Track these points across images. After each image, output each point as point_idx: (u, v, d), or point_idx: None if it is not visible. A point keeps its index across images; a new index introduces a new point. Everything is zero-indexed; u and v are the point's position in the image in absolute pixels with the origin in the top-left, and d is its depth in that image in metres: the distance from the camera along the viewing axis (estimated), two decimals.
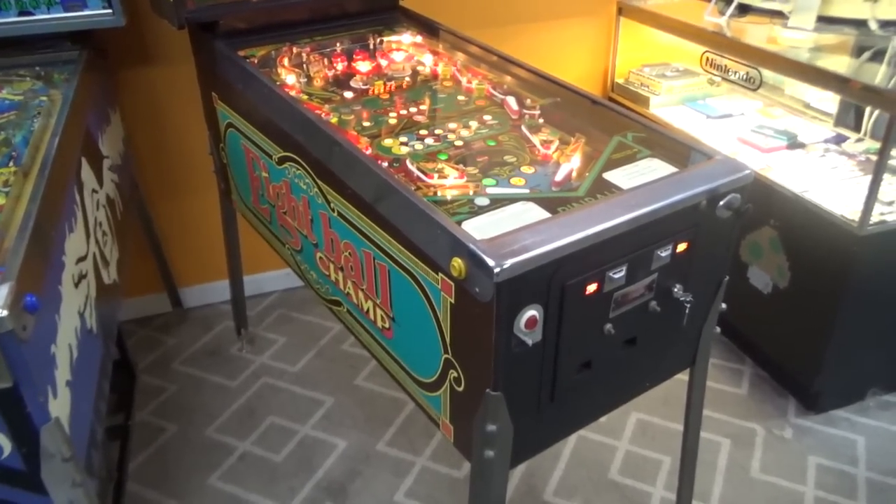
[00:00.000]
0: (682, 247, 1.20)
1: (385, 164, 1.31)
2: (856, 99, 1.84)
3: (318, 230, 1.46)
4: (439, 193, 1.21)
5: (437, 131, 1.45)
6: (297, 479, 1.87)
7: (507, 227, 1.06)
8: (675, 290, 1.23)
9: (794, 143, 2.18)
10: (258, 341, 2.37)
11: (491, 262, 0.96)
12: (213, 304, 2.52)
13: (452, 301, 1.08)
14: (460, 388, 1.15)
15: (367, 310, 1.37)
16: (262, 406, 2.11)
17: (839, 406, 2.07)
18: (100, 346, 1.39)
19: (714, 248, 1.27)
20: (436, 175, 1.26)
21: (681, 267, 1.22)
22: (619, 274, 1.12)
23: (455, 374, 1.15)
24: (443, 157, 1.34)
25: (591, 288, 1.10)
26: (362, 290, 1.36)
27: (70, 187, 1.37)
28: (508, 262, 0.97)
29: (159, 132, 2.21)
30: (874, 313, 1.91)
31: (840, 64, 1.95)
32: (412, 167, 1.28)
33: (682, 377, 2.10)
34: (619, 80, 2.63)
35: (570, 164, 1.30)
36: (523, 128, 1.45)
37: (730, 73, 2.18)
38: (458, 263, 1.01)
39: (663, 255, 1.17)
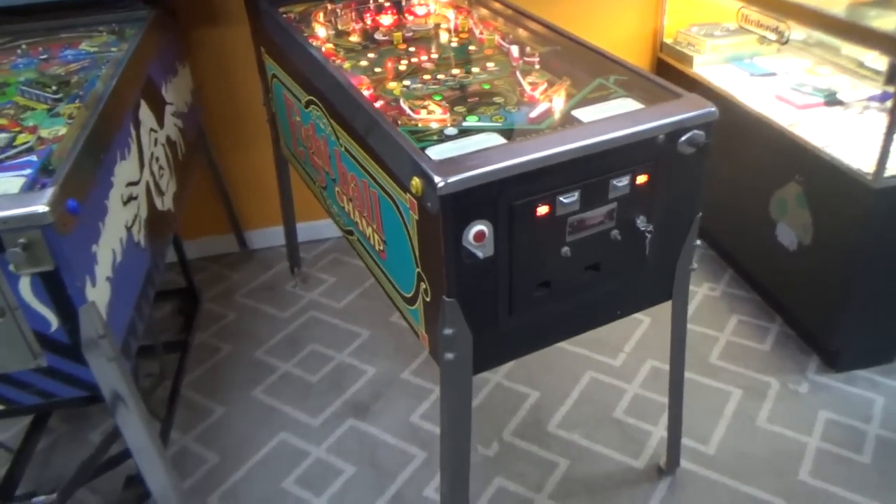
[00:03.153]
0: (641, 179, 1.28)
1: (381, 103, 1.46)
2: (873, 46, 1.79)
3: (334, 165, 1.64)
4: (420, 126, 1.35)
5: (440, 76, 1.58)
6: (328, 398, 2.08)
7: (462, 152, 1.19)
8: (639, 221, 1.32)
9: (833, 101, 2.14)
10: (310, 280, 2.60)
11: (436, 179, 1.10)
12: (274, 247, 2.77)
13: (417, 217, 1.23)
14: (428, 299, 1.30)
15: (369, 235, 1.54)
16: (306, 335, 2.33)
17: (863, 366, 2.05)
18: (147, 259, 1.63)
19: (681, 184, 1.35)
20: (423, 111, 1.40)
21: (642, 199, 1.31)
22: (570, 199, 1.22)
23: (424, 286, 1.30)
24: (437, 98, 1.48)
25: (543, 210, 1.21)
26: (364, 217, 1.53)
27: (125, 122, 1.61)
28: (451, 178, 1.10)
29: (226, 86, 2.46)
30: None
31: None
32: (403, 105, 1.43)
33: (705, 332, 2.15)
34: (668, 41, 2.64)
35: (550, 103, 1.40)
36: (517, 73, 1.56)
37: (762, 28, 2.17)
38: (415, 182, 1.16)
39: (619, 185, 1.26)
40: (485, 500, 1.75)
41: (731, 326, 2.25)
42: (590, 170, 1.22)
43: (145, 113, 1.77)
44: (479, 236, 1.17)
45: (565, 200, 1.22)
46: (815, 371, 2.06)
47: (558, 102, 1.42)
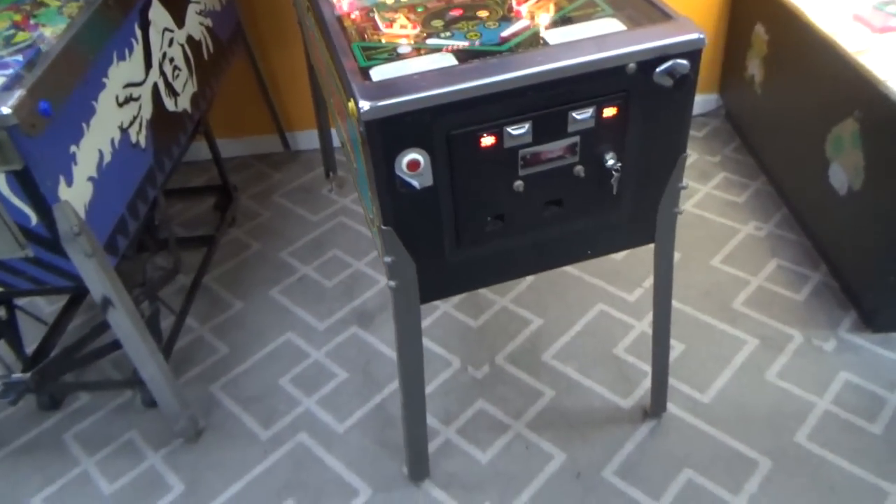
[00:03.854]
0: (609, 112, 1.17)
1: (357, 14, 1.39)
2: None
3: (326, 78, 1.60)
4: (383, 41, 1.28)
5: None
6: (338, 303, 2.14)
7: (402, 74, 1.12)
8: (607, 157, 1.21)
9: None
10: (346, 186, 2.62)
11: (360, 102, 1.05)
12: (318, 150, 2.80)
13: (360, 141, 1.18)
14: (377, 226, 1.27)
15: (347, 153, 1.51)
16: (331, 239, 2.38)
17: None
18: (148, 160, 1.69)
19: (661, 120, 1.22)
20: (396, 25, 1.32)
21: (611, 134, 1.20)
22: (519, 131, 1.14)
23: (375, 212, 1.27)
24: (419, 10, 1.39)
25: (487, 141, 1.13)
26: (343, 133, 1.50)
27: (128, 22, 1.63)
28: (376, 103, 1.04)
29: None
30: None
31: None
32: (375, 16, 1.35)
33: (737, 274, 2.01)
34: None
35: (531, 20, 1.28)
36: None
37: None
38: (351, 104, 1.11)
39: (580, 117, 1.16)
40: (463, 420, 1.77)
41: (769, 271, 2.08)
42: (542, 100, 1.12)
43: (157, 12, 1.78)
44: (413, 165, 1.12)
45: (514, 132, 1.13)
46: (849, 329, 1.88)
47: (544, 19, 1.30)
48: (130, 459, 1.76)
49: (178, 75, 1.88)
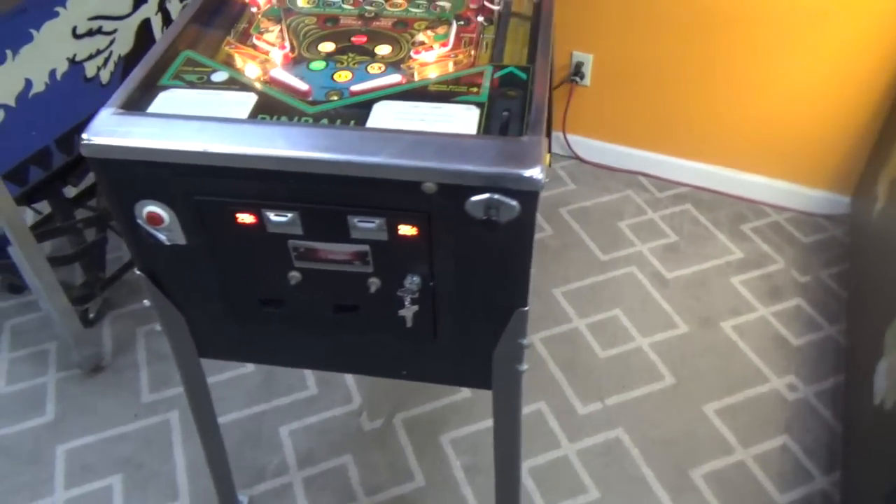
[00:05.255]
0: (406, 230, 0.89)
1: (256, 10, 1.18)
2: None
3: None
4: (237, 57, 1.08)
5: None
6: None
7: (175, 109, 0.93)
8: (409, 280, 0.94)
9: None
10: None
11: (84, 134, 0.88)
12: None
13: None
14: None
15: None
16: None
17: None
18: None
19: (484, 261, 0.91)
20: (264, 42, 1.10)
21: (412, 257, 0.92)
22: (282, 218, 0.90)
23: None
24: (329, 24, 1.16)
25: (246, 219, 0.92)
26: None
27: None
28: (93, 139, 0.87)
29: None
30: None
31: None
32: (258, 20, 1.14)
33: (733, 444, 1.60)
34: None
35: (399, 77, 1.01)
36: (453, 20, 1.13)
37: None
38: None
39: (363, 226, 0.90)
40: (318, 469, 1.60)
41: (767, 448, 1.61)
42: (310, 193, 0.88)
43: None
44: (154, 219, 0.94)
45: (275, 218, 0.91)
46: None
47: (414, 81, 1.01)
48: (34, 370, 1.82)
49: None
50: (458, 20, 1.14)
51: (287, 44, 1.09)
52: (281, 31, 1.11)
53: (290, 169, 0.85)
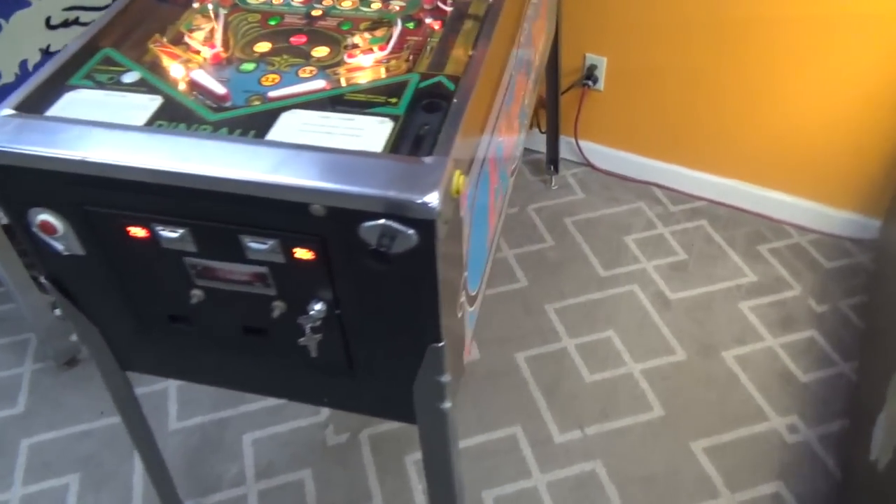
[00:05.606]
0: (302, 254, 0.81)
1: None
2: None
3: None
4: (163, 58, 1.01)
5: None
6: None
7: (74, 112, 0.87)
8: (313, 307, 0.86)
9: None
10: None
11: None
12: None
13: None
14: None
15: None
16: None
17: None
18: None
19: (389, 292, 0.82)
20: (193, 40, 1.03)
21: (312, 280, 0.84)
22: (172, 234, 0.84)
23: None
24: (272, 23, 1.08)
25: (138, 232, 0.85)
26: None
27: None
28: None
29: None
30: None
31: None
32: (194, 15, 1.07)
33: (719, 487, 1.49)
34: None
35: (322, 83, 0.92)
36: (398, 21, 1.04)
37: None
38: None
39: (256, 247, 0.82)
40: (275, 482, 1.54)
41: (753, 497, 1.48)
42: (200, 209, 0.80)
43: None
44: (47, 228, 0.88)
45: (165, 234, 0.84)
46: None
47: (338, 88, 0.93)
48: (12, 359, 1.82)
49: None
50: (406, 21, 1.05)
51: (218, 43, 1.02)
52: (212, 29, 1.04)
53: (170, 182, 0.78)
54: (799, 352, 1.74)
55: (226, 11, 1.09)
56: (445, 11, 1.07)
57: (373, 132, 0.82)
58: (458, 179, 0.77)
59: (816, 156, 1.94)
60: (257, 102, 0.92)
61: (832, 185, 1.96)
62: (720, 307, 1.86)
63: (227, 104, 0.91)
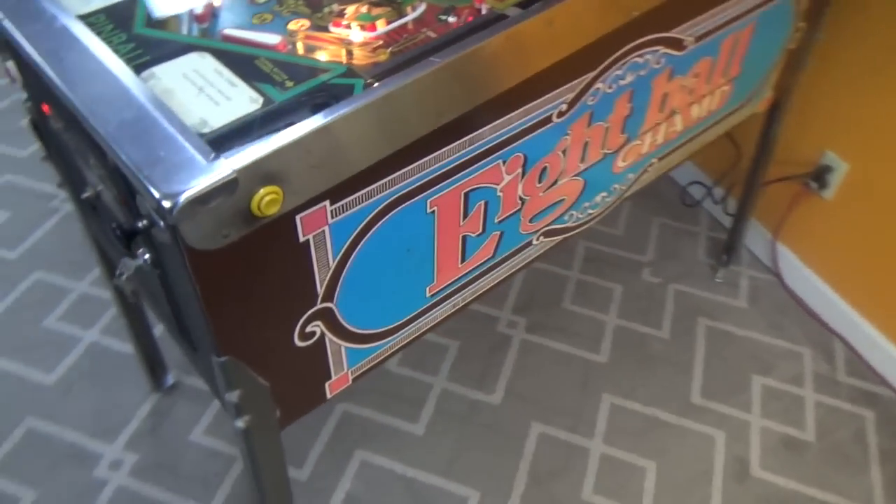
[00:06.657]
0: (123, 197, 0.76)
1: None
2: None
3: None
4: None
5: None
6: None
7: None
8: (140, 256, 0.81)
9: None
10: None
11: None
12: None
13: None
14: None
15: None
16: None
17: None
18: None
19: (178, 289, 0.74)
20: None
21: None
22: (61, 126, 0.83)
23: None
24: None
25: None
26: None
27: None
28: None
29: None
30: None
31: None
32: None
33: None
34: None
35: (276, 38, 0.83)
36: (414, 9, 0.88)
37: None
38: None
39: (99, 172, 0.78)
40: None
41: None
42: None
43: None
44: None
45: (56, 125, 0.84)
46: None
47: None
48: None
49: None
50: (443, 14, 0.89)
51: None
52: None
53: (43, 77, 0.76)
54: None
55: None
56: (479, 11, 0.89)
57: (231, 106, 0.72)
58: (264, 198, 0.65)
59: None
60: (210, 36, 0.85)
61: None
62: None
63: (204, 25, 0.87)
